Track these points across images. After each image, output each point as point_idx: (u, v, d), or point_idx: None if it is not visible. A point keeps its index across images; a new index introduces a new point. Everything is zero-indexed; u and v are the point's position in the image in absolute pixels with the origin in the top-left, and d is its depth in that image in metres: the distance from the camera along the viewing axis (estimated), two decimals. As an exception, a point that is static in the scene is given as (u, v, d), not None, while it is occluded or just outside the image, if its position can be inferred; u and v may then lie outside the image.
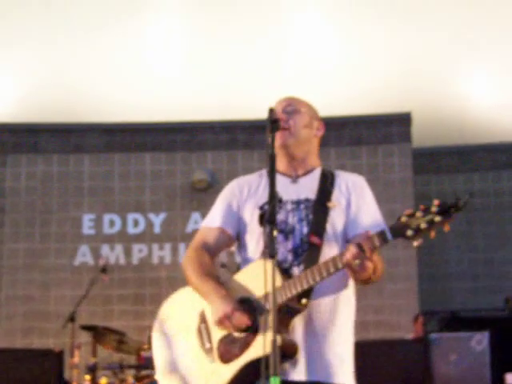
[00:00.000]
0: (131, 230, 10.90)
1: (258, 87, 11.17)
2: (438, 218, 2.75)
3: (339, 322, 3.19)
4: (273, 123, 3.06)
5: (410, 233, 2.81)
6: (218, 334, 3.14)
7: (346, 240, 3.21)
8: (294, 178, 3.30)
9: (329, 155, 10.30)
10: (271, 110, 3.10)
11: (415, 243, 2.83)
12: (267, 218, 2.85)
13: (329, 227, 3.19)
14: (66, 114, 11.18)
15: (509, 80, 11.87)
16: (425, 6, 11.35)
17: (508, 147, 11.77)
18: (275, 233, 2.81)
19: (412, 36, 11.47)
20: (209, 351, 3.16)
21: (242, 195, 3.33)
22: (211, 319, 3.13)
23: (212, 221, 3.36)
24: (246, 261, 3.27)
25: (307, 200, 3.24)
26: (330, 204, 3.22)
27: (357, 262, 2.89)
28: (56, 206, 10.86)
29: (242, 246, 3.33)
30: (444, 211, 2.74)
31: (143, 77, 11.66)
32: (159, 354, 3.36)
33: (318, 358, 3.11)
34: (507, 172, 11.71)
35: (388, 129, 10.94)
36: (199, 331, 3.21)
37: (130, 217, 10.91)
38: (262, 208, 3.24)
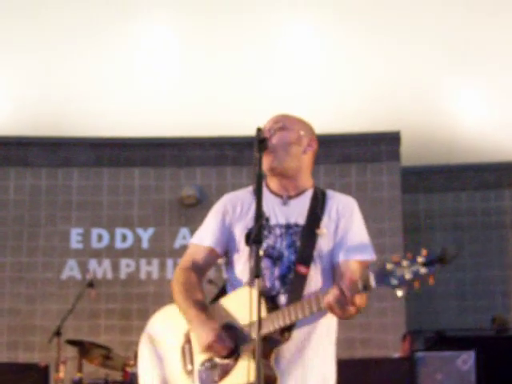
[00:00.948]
0: (119, 244, 10.87)
1: (247, 104, 11.19)
2: (423, 270, 2.71)
3: (320, 346, 3.17)
4: (260, 142, 3.07)
5: (394, 282, 2.77)
6: (200, 357, 3.14)
7: (332, 266, 3.20)
8: (285, 200, 3.27)
9: (318, 173, 10.32)
10: (259, 130, 3.10)
11: (399, 293, 2.79)
12: (253, 237, 2.85)
13: (316, 255, 3.16)
14: (56, 127, 11.17)
15: (498, 100, 11.93)
16: (414, 23, 11.40)
17: (496, 167, 11.81)
18: (261, 252, 2.82)
19: (401, 55, 11.52)
20: (190, 373, 3.16)
21: (234, 213, 3.30)
22: (197, 346, 3.13)
23: (202, 239, 3.33)
24: (233, 280, 3.26)
25: (296, 225, 3.21)
26: (318, 231, 3.19)
27: (338, 305, 2.86)
28: (44, 220, 10.83)
29: (229, 264, 3.32)
30: (430, 263, 2.71)
31: (132, 92, 11.67)
32: (145, 370, 3.35)
33: None
34: (495, 192, 11.75)
35: (377, 147, 10.96)
36: (183, 351, 3.21)
37: (118, 231, 10.89)
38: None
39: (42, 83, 11.50)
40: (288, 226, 3.21)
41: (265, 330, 2.94)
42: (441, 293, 11.54)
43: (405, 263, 2.75)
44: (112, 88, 11.66)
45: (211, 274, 8.62)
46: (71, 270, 10.70)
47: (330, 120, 10.87)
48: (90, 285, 8.36)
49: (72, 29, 11.37)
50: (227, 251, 3.32)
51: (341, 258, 3.17)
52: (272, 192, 3.28)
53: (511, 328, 10.75)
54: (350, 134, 11.00)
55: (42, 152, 11.05)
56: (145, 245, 10.85)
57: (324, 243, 3.19)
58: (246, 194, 3.36)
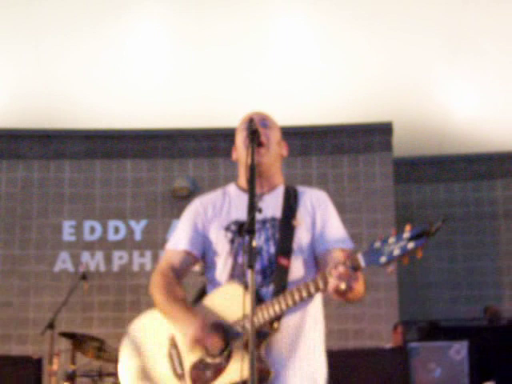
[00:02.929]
0: (112, 236, 10.86)
1: (239, 95, 11.17)
2: (411, 245, 2.72)
3: (308, 339, 3.16)
4: (252, 133, 3.06)
5: (383, 260, 2.77)
6: (189, 359, 3.09)
7: (314, 257, 3.19)
8: (259, 196, 3.24)
9: (310, 164, 10.30)
10: (251, 121, 3.09)
11: (389, 269, 2.80)
12: (246, 228, 2.83)
13: (295, 246, 3.16)
14: (47, 120, 11.14)
15: (488, 91, 11.94)
16: (406, 16, 11.40)
17: (488, 157, 11.85)
18: (254, 243, 2.80)
19: (393, 46, 11.52)
20: (181, 376, 3.10)
21: (206, 215, 3.30)
22: (183, 343, 3.07)
23: (177, 243, 3.31)
24: (213, 282, 3.23)
25: (273, 219, 3.22)
26: (295, 222, 3.19)
27: (344, 284, 2.81)
28: (36, 213, 10.81)
29: (208, 267, 3.29)
30: (416, 236, 2.71)
31: (124, 84, 11.64)
32: (129, 376, 3.29)
33: (290, 380, 3.08)
34: (487, 182, 11.78)
35: (369, 138, 10.97)
36: (170, 356, 3.16)
37: (111, 224, 10.88)
38: (227, 229, 3.21)
39: (34, 75, 11.46)
40: (265, 221, 3.21)
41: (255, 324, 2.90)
42: (434, 283, 11.57)
43: (391, 240, 2.76)
44: (104, 80, 11.64)
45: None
46: (64, 262, 10.69)
47: (322, 111, 10.87)
48: (83, 277, 8.34)
49: (64, 21, 11.32)
50: (204, 254, 3.29)
51: (323, 248, 3.18)
52: (244, 190, 3.27)
53: (503, 318, 10.78)
54: (342, 124, 11.00)
55: (33, 144, 11.03)
56: (137, 237, 10.84)
57: (302, 234, 3.19)
58: (217, 196, 3.38)
